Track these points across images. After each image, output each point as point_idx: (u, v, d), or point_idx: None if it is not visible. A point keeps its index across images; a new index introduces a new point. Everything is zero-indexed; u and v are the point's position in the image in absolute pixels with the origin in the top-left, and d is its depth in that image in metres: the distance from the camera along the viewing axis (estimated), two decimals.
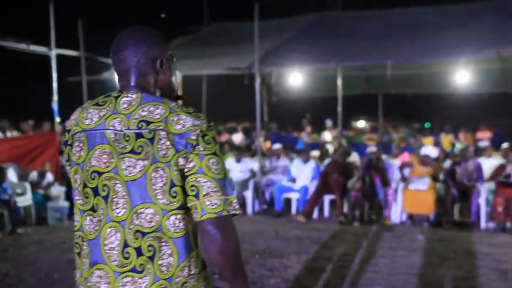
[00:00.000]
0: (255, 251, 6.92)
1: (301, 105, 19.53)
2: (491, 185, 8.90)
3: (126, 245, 1.69)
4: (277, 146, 11.92)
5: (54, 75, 10.37)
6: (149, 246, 1.68)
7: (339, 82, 14.31)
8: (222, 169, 1.70)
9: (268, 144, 14.66)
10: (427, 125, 29.53)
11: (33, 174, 9.87)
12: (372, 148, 10.73)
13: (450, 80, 12.89)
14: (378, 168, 9.56)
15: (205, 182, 1.66)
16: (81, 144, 1.76)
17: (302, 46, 12.57)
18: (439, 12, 13.30)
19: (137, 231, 1.68)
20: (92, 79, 12.72)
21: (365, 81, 16.27)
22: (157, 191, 1.67)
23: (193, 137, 1.67)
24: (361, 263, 6.34)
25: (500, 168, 8.86)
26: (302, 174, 10.35)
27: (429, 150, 9.79)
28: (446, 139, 15.41)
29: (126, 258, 1.69)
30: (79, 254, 1.80)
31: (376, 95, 17.25)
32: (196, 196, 1.66)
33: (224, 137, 15.16)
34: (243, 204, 10.33)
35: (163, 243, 1.68)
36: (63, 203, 9.69)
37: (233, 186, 1.87)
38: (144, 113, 1.70)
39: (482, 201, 8.81)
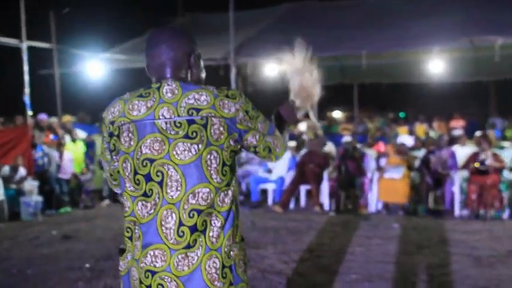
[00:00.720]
0: None
1: (277, 95, 19.51)
2: (465, 173, 9.00)
3: (181, 224, 1.83)
4: None
5: (26, 68, 10.13)
6: (203, 221, 1.84)
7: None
8: (266, 121, 2.02)
9: None
10: (401, 114, 29.82)
11: (5, 169, 9.67)
12: (347, 138, 10.77)
13: (424, 70, 12.95)
14: (354, 157, 9.60)
15: (268, 139, 2.01)
16: (130, 135, 1.89)
17: (277, 36, 12.49)
18: (412, 1, 13.34)
19: (193, 209, 1.83)
20: (64, 72, 12.52)
21: (340, 72, 16.29)
22: (211, 171, 1.85)
23: (241, 122, 1.91)
24: (337, 252, 6.36)
25: (474, 156, 8.97)
26: (278, 165, 10.34)
27: (405, 139, 9.87)
28: (420, 128, 15.54)
29: (181, 236, 1.83)
30: (130, 237, 1.94)
31: (351, 85, 17.30)
32: (270, 151, 2.04)
33: None
34: None
35: (213, 218, 1.86)
36: (37, 198, 9.54)
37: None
38: (191, 101, 1.87)
39: (456, 189, 8.91)
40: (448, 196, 8.93)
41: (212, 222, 1.86)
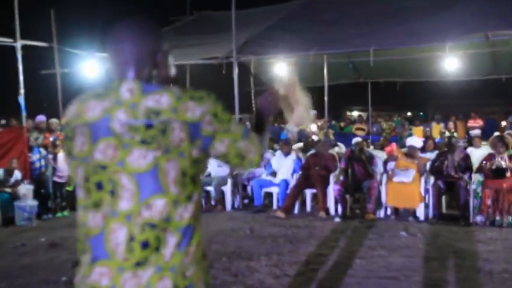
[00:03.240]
0: (223, 252, 6.44)
1: None
2: (480, 177, 8.44)
3: (131, 239, 1.65)
4: None
5: (20, 68, 9.82)
6: (156, 237, 1.66)
7: (325, 71, 13.88)
8: (238, 124, 1.79)
9: None
10: (420, 114, 29.14)
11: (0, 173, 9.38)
12: (357, 139, 10.25)
13: (439, 67, 12.41)
14: (360, 159, 9.08)
15: (240, 144, 1.77)
16: (83, 138, 1.75)
17: (284, 34, 12.08)
18: None
19: (146, 223, 1.65)
20: (66, 71, 12.21)
21: (353, 70, 15.78)
22: (169, 182, 1.67)
23: (208, 127, 1.71)
24: (335, 265, 5.86)
25: (489, 158, 8.40)
26: (282, 167, 9.87)
27: (414, 140, 9.28)
28: (436, 128, 14.97)
29: (130, 253, 1.65)
30: (83, 249, 1.77)
31: (366, 83, 16.76)
32: (242, 157, 1.80)
33: None
34: (222, 199, 9.88)
35: (169, 234, 1.67)
36: (32, 202, 9.23)
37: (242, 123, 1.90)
38: (150, 103, 1.68)
39: (470, 194, 8.34)
40: (462, 201, 8.34)
41: (167, 238, 1.67)
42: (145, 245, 1.65)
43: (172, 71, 1.92)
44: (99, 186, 1.71)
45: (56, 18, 11.15)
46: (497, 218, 7.96)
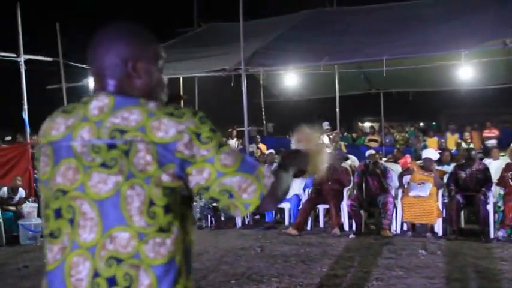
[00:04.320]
0: (233, 274, 6.12)
1: (300, 106, 18.78)
2: (501, 190, 8.07)
3: (96, 274, 1.43)
4: (269, 151, 11.16)
5: (24, 83, 9.68)
6: (125, 274, 1.42)
7: (336, 82, 13.60)
8: (234, 154, 1.49)
9: (263, 148, 13.93)
10: (433, 124, 28.69)
11: (3, 190, 9.18)
12: (370, 151, 9.91)
13: (454, 76, 12.08)
14: (374, 173, 8.74)
15: (231, 179, 1.46)
16: (46, 159, 1.55)
17: (293, 44, 11.84)
18: (437, 4, 12.46)
19: (111, 257, 1.43)
20: (72, 86, 12.04)
21: (365, 80, 15.49)
22: (132, 212, 1.43)
23: (184, 150, 1.43)
24: (350, 287, 5.53)
25: (507, 168, 8.04)
26: (294, 182, 9.52)
27: (430, 153, 8.92)
28: (451, 139, 14.58)
29: None
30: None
31: (378, 94, 16.45)
32: (231, 196, 1.47)
33: None
34: (232, 216, 9.59)
35: (141, 272, 1.42)
36: (37, 221, 8.98)
37: (248, 157, 1.58)
38: (117, 120, 1.46)
39: (490, 207, 7.97)
40: (482, 216, 7.96)
41: (140, 278, 1.42)
42: (112, 282, 1.43)
43: (159, 82, 1.64)
44: (58, 213, 1.49)
45: (61, 32, 11.00)
46: None
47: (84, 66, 11.96)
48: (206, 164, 1.45)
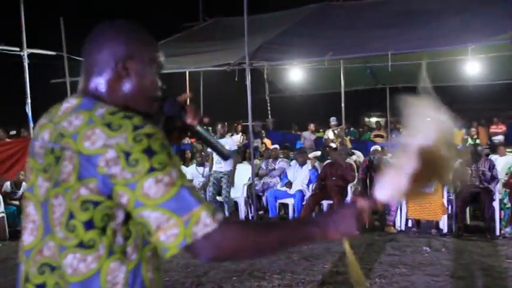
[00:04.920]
0: (234, 270, 6.07)
1: (305, 100, 18.71)
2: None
3: (27, 279, 1.40)
4: (274, 147, 11.11)
5: (27, 77, 9.65)
6: (55, 284, 1.36)
7: (342, 76, 13.49)
8: (165, 185, 1.29)
9: (268, 143, 13.86)
10: None
11: (7, 184, 9.15)
12: (375, 146, 9.83)
13: (461, 71, 11.96)
14: (379, 169, 8.65)
15: (149, 214, 1.28)
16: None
17: (298, 39, 11.72)
18: None
19: (45, 264, 1.37)
20: (75, 80, 11.99)
21: (371, 75, 15.37)
22: (55, 222, 1.36)
23: (104, 164, 1.30)
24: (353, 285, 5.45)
25: None
26: (298, 177, 9.48)
27: None
28: (458, 134, 14.44)
29: None
30: None
31: (384, 89, 16.32)
32: (149, 233, 1.31)
33: None
34: (235, 211, 9.53)
35: (65, 285, 1.35)
36: None
37: (197, 195, 1.34)
38: (65, 124, 1.39)
39: (496, 204, 7.88)
40: (488, 213, 7.86)
41: None
42: None
43: (152, 85, 1.53)
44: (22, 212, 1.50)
45: (65, 26, 10.95)
46: None
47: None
48: (126, 188, 1.30)
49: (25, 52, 9.63)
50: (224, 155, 1.80)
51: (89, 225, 1.33)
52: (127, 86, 1.49)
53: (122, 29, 1.54)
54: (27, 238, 1.42)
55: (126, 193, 1.30)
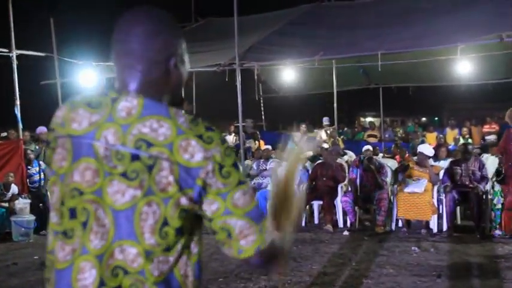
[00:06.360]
0: (222, 271, 6.04)
1: (299, 101, 18.71)
2: (498, 186, 7.95)
3: (102, 283, 1.38)
4: (266, 147, 11.08)
5: (16, 78, 9.62)
6: (131, 285, 1.37)
7: (334, 76, 13.48)
8: (249, 197, 1.42)
9: (262, 144, 13.84)
10: (435, 120, 28.56)
11: None
12: (367, 146, 9.81)
13: (452, 71, 11.95)
14: (369, 169, 8.63)
15: (236, 222, 1.40)
16: (64, 152, 1.44)
17: (289, 39, 11.73)
18: None
19: (118, 267, 1.37)
20: (65, 81, 11.96)
21: (363, 75, 15.35)
22: (145, 229, 1.37)
23: (204, 176, 1.37)
24: (339, 287, 5.43)
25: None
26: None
27: (425, 148, 8.79)
28: (451, 134, 14.47)
29: None
30: (49, 279, 1.49)
31: (377, 88, 16.31)
32: (229, 236, 1.42)
33: None
34: None
35: (146, 287, 1.37)
36: (29, 217, 8.91)
37: (261, 208, 1.48)
38: (146, 130, 1.36)
39: (486, 204, 7.86)
40: (477, 212, 7.84)
41: None
42: None
43: (185, 76, 1.55)
44: (73, 213, 1.42)
45: (55, 27, 10.91)
46: None
47: (75, 61, 11.92)
48: (218, 198, 1.39)
49: (14, 53, 9.57)
50: None
51: (179, 231, 1.40)
52: (171, 84, 1.50)
53: (166, 21, 1.50)
54: (98, 243, 1.39)
55: (217, 201, 1.39)
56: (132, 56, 1.46)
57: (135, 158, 1.36)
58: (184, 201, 1.37)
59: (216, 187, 1.38)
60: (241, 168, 1.34)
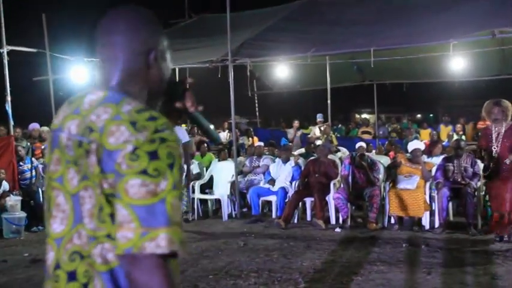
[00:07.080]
0: (212, 268, 6.02)
1: (293, 97, 18.64)
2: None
3: (57, 266, 1.43)
4: (258, 144, 11.06)
5: (7, 74, 9.53)
6: (86, 271, 1.39)
7: (328, 73, 13.46)
8: (150, 193, 1.28)
9: (255, 140, 13.81)
10: (430, 116, 28.54)
11: None
12: (360, 143, 9.77)
13: (446, 68, 11.93)
14: (361, 166, 8.61)
15: (120, 208, 1.29)
16: (48, 145, 1.58)
17: (282, 35, 11.69)
18: None
19: (76, 252, 1.41)
20: (57, 78, 11.90)
21: (358, 71, 15.31)
22: (85, 213, 1.39)
23: (121, 160, 1.31)
24: (329, 283, 5.41)
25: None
26: (281, 174, 9.42)
27: (415, 145, 8.77)
28: (445, 131, 14.45)
29: (56, 282, 1.43)
30: None
31: (372, 85, 16.28)
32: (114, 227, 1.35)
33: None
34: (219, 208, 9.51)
35: (95, 276, 1.38)
36: (20, 214, 8.86)
37: (174, 216, 1.25)
38: (93, 118, 1.40)
39: (479, 201, 7.86)
40: (469, 209, 7.82)
41: (94, 280, 1.37)
42: (72, 277, 1.41)
43: (168, 71, 1.58)
44: (46, 200, 1.53)
45: (47, 23, 10.82)
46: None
47: (66, 57, 11.85)
48: (116, 177, 1.32)
49: (5, 49, 9.50)
50: (214, 139, 2.03)
51: (113, 218, 1.35)
52: (152, 76, 1.53)
53: (146, 17, 1.54)
54: (58, 227, 1.45)
55: (117, 182, 1.31)
56: (109, 50, 1.50)
57: (80, 144, 1.41)
58: (106, 185, 1.34)
59: (119, 165, 1.31)
60: (166, 164, 1.29)
